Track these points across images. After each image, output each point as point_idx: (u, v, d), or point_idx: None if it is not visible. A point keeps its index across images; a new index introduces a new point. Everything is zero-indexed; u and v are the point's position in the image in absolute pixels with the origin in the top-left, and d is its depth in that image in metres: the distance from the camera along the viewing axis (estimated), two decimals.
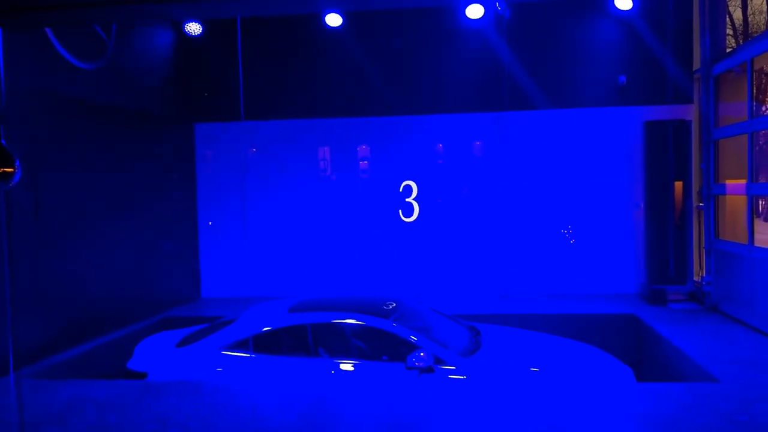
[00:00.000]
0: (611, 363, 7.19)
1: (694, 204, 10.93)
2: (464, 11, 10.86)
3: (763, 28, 21.94)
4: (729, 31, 20.81)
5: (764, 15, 22.46)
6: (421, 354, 6.41)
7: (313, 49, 11.85)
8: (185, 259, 11.99)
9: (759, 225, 10.97)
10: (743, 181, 9.38)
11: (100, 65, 9.42)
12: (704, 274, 10.51)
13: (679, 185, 10.66)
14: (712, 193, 10.33)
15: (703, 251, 10.61)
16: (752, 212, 9.30)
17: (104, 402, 6.20)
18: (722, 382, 6.44)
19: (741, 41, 21.68)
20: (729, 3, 18.98)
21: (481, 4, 10.70)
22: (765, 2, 21.92)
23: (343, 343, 6.93)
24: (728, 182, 10.03)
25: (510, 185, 11.62)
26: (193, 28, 11.35)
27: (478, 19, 10.96)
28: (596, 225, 11.55)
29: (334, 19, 11.14)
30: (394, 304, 7.56)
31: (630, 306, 10.37)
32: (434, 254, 11.91)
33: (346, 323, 7.00)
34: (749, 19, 22.70)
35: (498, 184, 11.63)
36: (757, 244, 9.03)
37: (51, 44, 8.39)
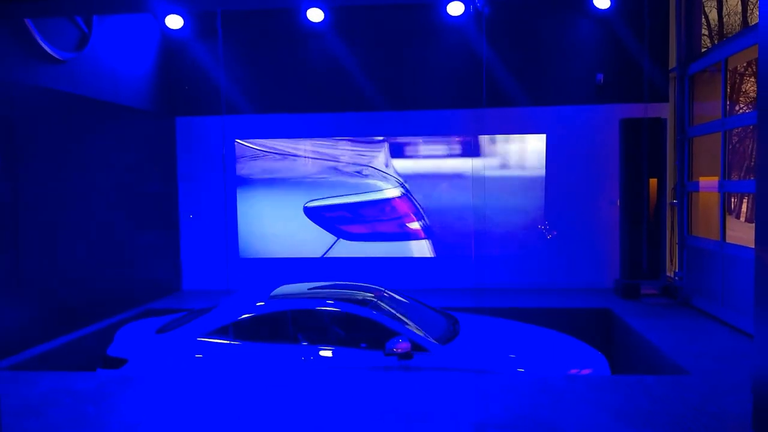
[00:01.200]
0: (586, 350, 7.33)
1: (668, 201, 11.11)
2: (445, 8, 10.96)
3: (737, 28, 22.24)
4: (704, 31, 21.08)
5: (739, 16, 22.77)
6: (400, 340, 6.50)
7: (295, 44, 11.87)
8: (166, 251, 12.00)
9: (731, 222, 11.16)
10: (716, 179, 9.55)
11: (80, 57, 9.38)
12: (677, 270, 10.70)
13: (653, 182, 10.81)
14: (686, 190, 10.51)
15: (676, 247, 10.79)
16: (724, 209, 9.47)
17: (83, 394, 6.19)
18: (693, 375, 6.57)
19: (716, 41, 21.96)
20: (704, 4, 19.24)
21: (462, 1, 10.80)
22: (740, 3, 22.24)
23: (323, 330, 6.98)
24: (701, 179, 10.21)
25: (488, 180, 11.72)
26: (174, 21, 11.31)
27: (458, 17, 11.06)
28: (572, 220, 11.70)
29: (315, 15, 11.16)
30: (374, 292, 7.67)
31: (604, 300, 10.55)
32: (412, 248, 12.00)
33: (325, 310, 7.06)
34: (724, 19, 23.00)
35: (476, 180, 11.73)
36: (728, 240, 9.21)
37: (30, 35, 8.35)
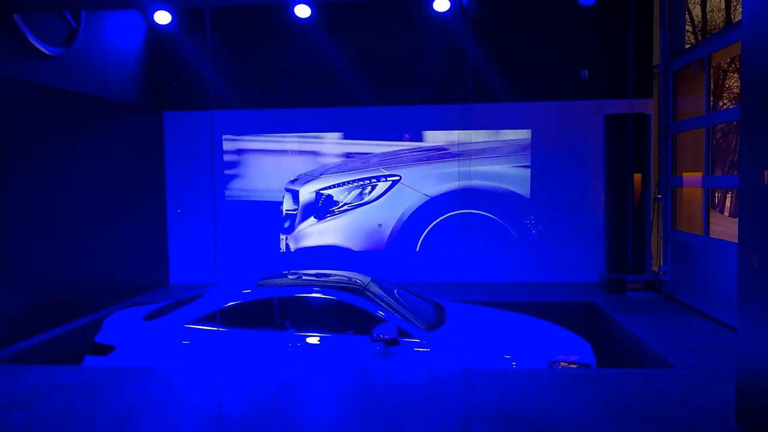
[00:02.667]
0: (571, 338, 7.39)
1: (652, 196, 11.21)
2: (431, 4, 10.99)
3: (720, 25, 22.38)
4: (688, 27, 21.21)
5: (722, 13, 22.93)
6: (387, 327, 6.53)
7: (283, 40, 11.87)
8: (154, 245, 11.97)
9: (714, 217, 11.28)
10: (700, 174, 9.65)
11: (68, 52, 9.33)
12: (661, 264, 10.80)
13: (638, 177, 10.91)
14: (670, 185, 10.61)
15: (661, 242, 10.89)
16: (708, 204, 9.56)
17: (71, 387, 6.17)
18: (677, 368, 6.64)
19: (699, 38, 22.11)
20: (688, 0, 19.36)
21: None
22: (723, 0, 22.39)
23: (310, 317, 6.99)
24: (685, 175, 10.30)
25: (474, 176, 11.78)
26: (163, 16, 11.28)
27: (444, 13, 11.09)
28: (558, 215, 11.78)
29: (303, 10, 11.14)
30: (361, 280, 7.69)
31: (590, 294, 10.63)
32: (400, 243, 12.05)
33: (312, 297, 7.07)
34: (708, 16, 23.16)
35: (463, 175, 11.78)
36: (712, 235, 9.31)
37: (19, 30, 8.29)
